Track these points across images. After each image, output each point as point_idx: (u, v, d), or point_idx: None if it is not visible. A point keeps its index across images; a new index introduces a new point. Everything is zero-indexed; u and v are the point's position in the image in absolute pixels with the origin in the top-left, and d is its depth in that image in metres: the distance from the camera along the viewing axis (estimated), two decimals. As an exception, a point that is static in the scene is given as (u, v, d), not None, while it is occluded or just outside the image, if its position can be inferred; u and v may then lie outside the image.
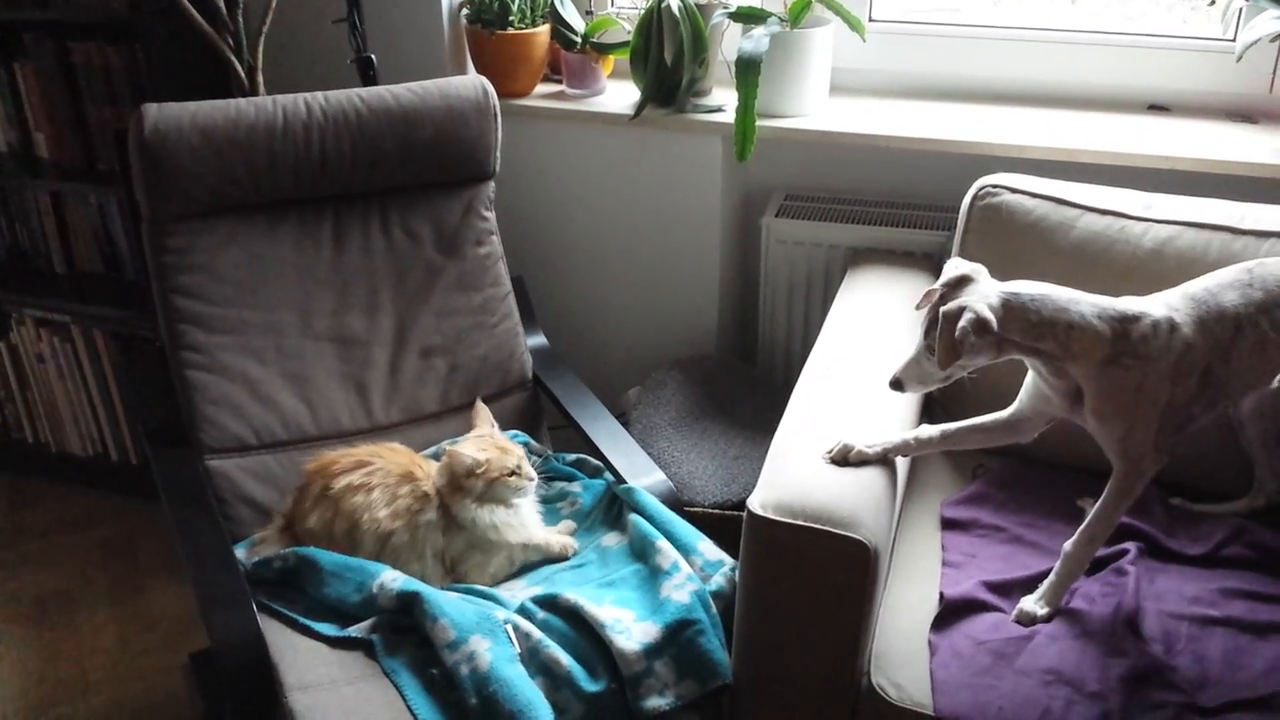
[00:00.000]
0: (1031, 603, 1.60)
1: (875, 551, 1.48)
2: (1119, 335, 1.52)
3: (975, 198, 1.97)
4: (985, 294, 1.52)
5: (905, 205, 2.35)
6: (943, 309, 1.49)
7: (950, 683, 1.49)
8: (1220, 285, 1.61)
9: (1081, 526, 1.61)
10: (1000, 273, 1.92)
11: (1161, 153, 2.05)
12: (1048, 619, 1.58)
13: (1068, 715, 1.43)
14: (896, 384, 1.59)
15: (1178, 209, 1.88)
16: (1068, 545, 1.61)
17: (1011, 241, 1.92)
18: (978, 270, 1.56)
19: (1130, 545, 1.70)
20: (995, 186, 1.96)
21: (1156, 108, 2.28)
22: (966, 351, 1.48)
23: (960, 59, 2.35)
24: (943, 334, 1.48)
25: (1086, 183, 1.97)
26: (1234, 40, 2.10)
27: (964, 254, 1.98)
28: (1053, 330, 1.50)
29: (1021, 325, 1.50)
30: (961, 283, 1.54)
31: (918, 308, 1.61)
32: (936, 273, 2.15)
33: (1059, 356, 1.53)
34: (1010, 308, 1.50)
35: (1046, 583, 1.61)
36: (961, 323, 1.46)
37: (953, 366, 1.51)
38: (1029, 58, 2.32)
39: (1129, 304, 1.57)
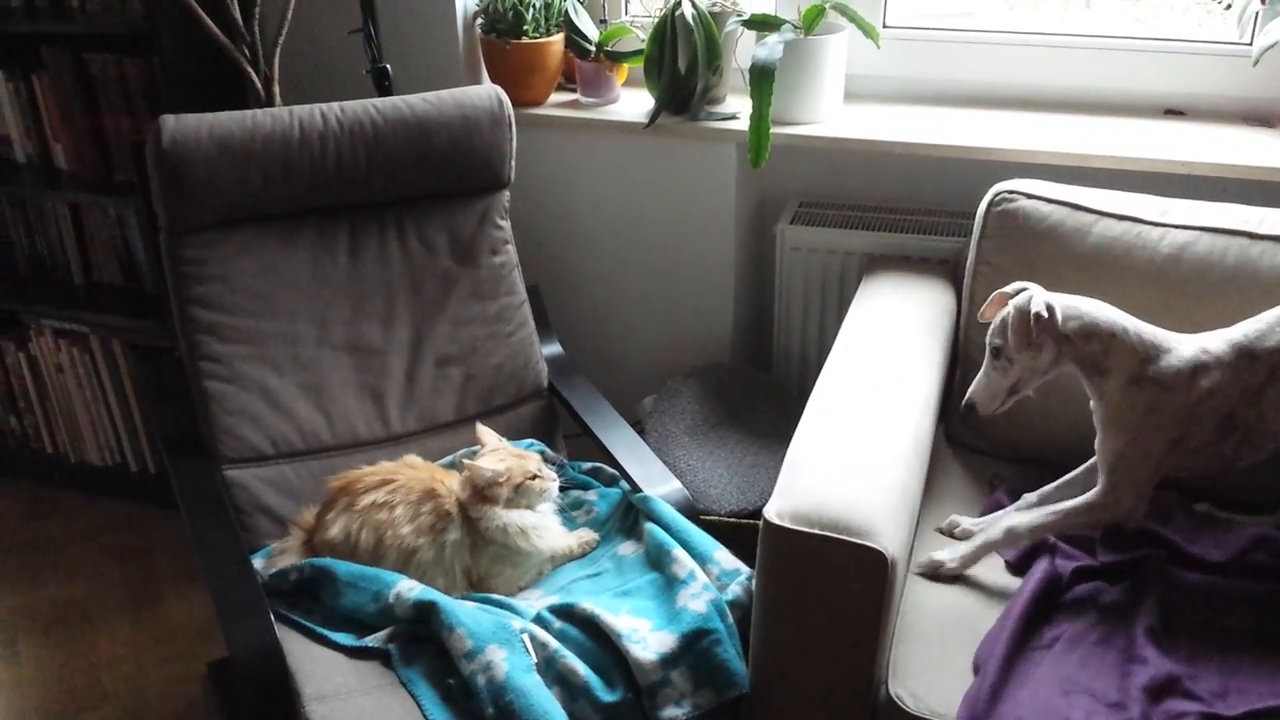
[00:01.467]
0: (943, 554, 1.68)
1: (893, 561, 1.47)
2: (1148, 358, 1.62)
3: (991, 203, 1.96)
4: (1046, 295, 1.63)
5: (920, 211, 2.34)
6: (1014, 301, 1.62)
7: (970, 693, 1.48)
8: (1261, 330, 1.65)
9: (1039, 515, 1.66)
10: (1017, 278, 1.92)
11: (1178, 157, 2.04)
12: (950, 575, 1.68)
13: (1088, 724, 1.42)
14: (970, 407, 1.68)
15: (1195, 214, 1.88)
16: (1009, 521, 1.67)
17: (1028, 247, 1.92)
18: (1034, 286, 1.66)
19: (1151, 552, 1.69)
20: (1011, 192, 1.95)
21: (1172, 112, 2.27)
22: (1033, 340, 1.60)
23: (975, 64, 2.34)
24: (1016, 321, 1.60)
25: (1102, 188, 1.96)
26: (1251, 44, 2.09)
27: (980, 260, 1.98)
28: (1098, 333, 1.62)
29: (1077, 323, 1.62)
30: (1020, 293, 1.65)
31: (982, 316, 1.73)
32: (953, 279, 2.16)
33: (1099, 363, 1.63)
34: (1066, 306, 1.63)
35: (963, 545, 1.69)
36: (1035, 308, 1.59)
37: (1021, 370, 1.63)
38: (1043, 62, 2.31)
39: (1164, 336, 1.64)
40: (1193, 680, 1.48)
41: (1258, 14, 2.12)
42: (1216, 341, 1.64)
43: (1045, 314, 1.59)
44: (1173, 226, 1.86)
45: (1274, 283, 1.78)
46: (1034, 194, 1.94)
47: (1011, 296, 1.66)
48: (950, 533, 1.80)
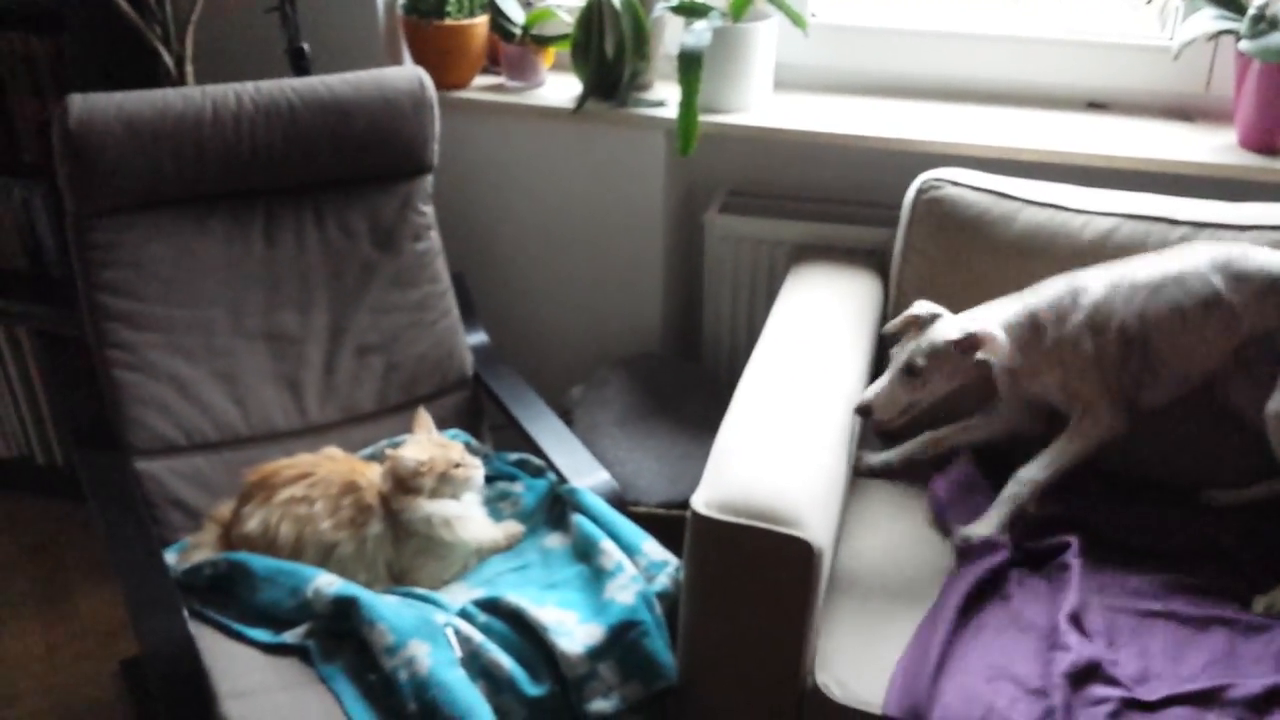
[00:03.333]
0: (973, 529, 1.69)
1: (819, 550, 1.47)
2: (1031, 324, 1.72)
3: (919, 191, 1.97)
4: (962, 322, 1.71)
5: (848, 202, 2.35)
6: (942, 331, 1.68)
7: (895, 680, 1.48)
8: (1133, 267, 1.75)
9: (1036, 465, 1.72)
10: (944, 266, 1.95)
11: (1100, 150, 2.06)
12: (986, 543, 1.67)
13: (1011, 711, 1.43)
14: (865, 410, 1.70)
15: (1116, 202, 1.91)
16: (1021, 471, 1.72)
17: (955, 235, 1.93)
18: (941, 310, 1.74)
19: (1072, 538, 1.71)
20: (938, 180, 1.96)
21: (1096, 105, 2.30)
22: (960, 368, 1.68)
23: (903, 55, 2.35)
24: (944, 351, 1.67)
25: (1027, 180, 1.98)
26: (1172, 39, 2.12)
27: (908, 247, 1.99)
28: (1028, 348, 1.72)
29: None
30: (934, 317, 1.72)
31: (886, 331, 1.78)
32: (880, 269, 2.17)
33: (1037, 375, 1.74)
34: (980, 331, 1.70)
35: (991, 512, 1.70)
36: (985, 330, 1.67)
37: (932, 392, 1.69)
38: (970, 55, 2.32)
39: (1039, 297, 1.74)
40: (1114, 665, 1.50)
41: (1179, 9, 2.15)
42: (1088, 276, 1.76)
43: (971, 341, 1.66)
44: (1095, 214, 1.89)
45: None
46: (960, 182, 1.95)
47: (923, 320, 1.72)
48: (859, 469, 1.90)
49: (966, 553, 1.68)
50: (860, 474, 1.91)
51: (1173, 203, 1.90)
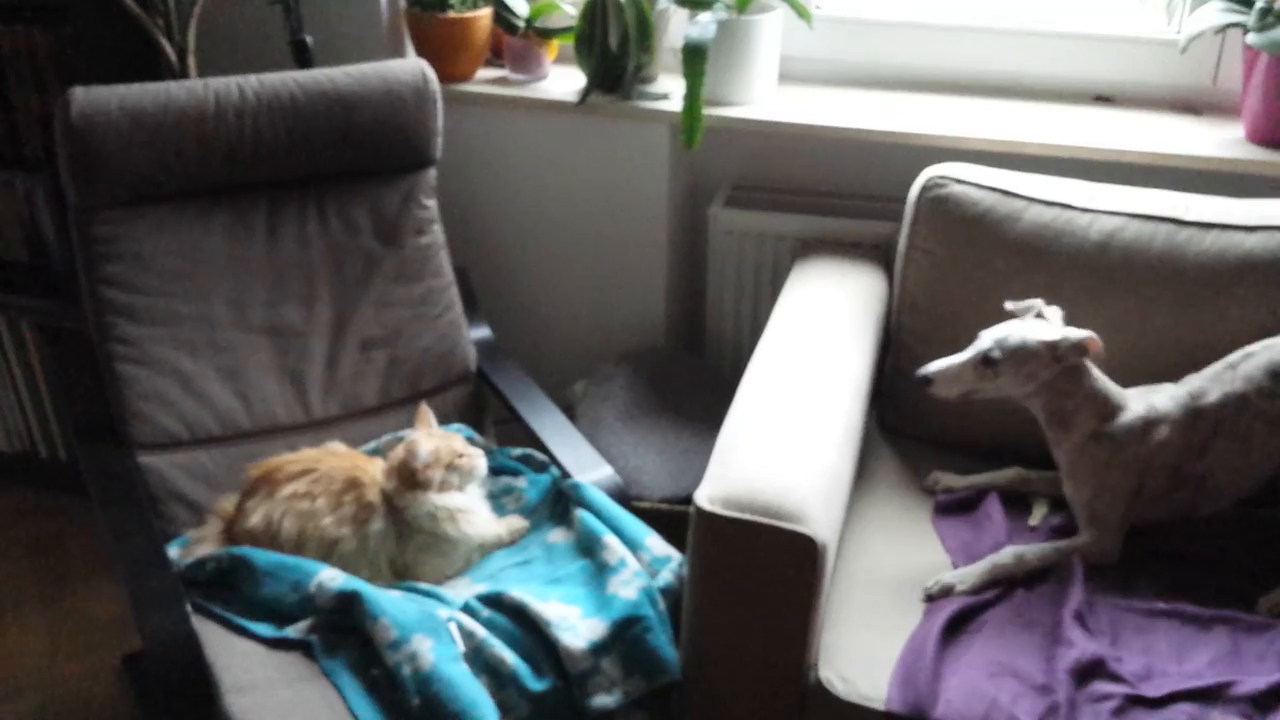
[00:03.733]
0: (954, 577, 1.65)
1: (823, 546, 1.46)
2: (1108, 417, 1.68)
3: (923, 189, 1.96)
4: (1067, 330, 1.67)
5: (853, 196, 2.34)
6: (1036, 333, 1.64)
7: (900, 675, 1.48)
8: (1204, 386, 1.70)
9: (1036, 547, 1.68)
10: (948, 264, 1.94)
11: (1107, 145, 2.05)
12: (960, 594, 1.63)
13: (1015, 707, 1.42)
14: (926, 380, 1.67)
15: (1123, 200, 1.89)
16: (1008, 550, 1.67)
17: (959, 233, 1.92)
18: (1055, 312, 1.72)
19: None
20: (943, 178, 1.95)
21: (1102, 99, 2.29)
22: (1034, 373, 1.65)
23: (908, 48, 2.34)
24: (1027, 352, 1.63)
25: (1034, 173, 1.97)
26: (1179, 32, 2.11)
27: (912, 246, 1.98)
28: (1080, 388, 1.67)
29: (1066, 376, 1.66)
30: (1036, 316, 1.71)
31: (1007, 308, 1.74)
32: (885, 264, 2.17)
33: (1067, 416, 1.68)
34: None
35: (973, 568, 1.66)
36: (1076, 337, 1.63)
37: (997, 386, 1.65)
38: (976, 48, 2.31)
39: (1118, 393, 1.70)
40: (1117, 662, 1.50)
41: (1186, 2, 2.14)
42: (1163, 399, 1.70)
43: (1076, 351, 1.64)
44: (1101, 213, 1.88)
45: (1200, 268, 1.81)
46: (965, 180, 1.94)
47: (1034, 313, 1.70)
48: (933, 489, 1.87)
49: (935, 598, 1.64)
50: (933, 493, 1.87)
51: (1180, 200, 1.89)
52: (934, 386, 1.66)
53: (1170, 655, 1.53)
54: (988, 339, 1.66)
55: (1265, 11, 1.96)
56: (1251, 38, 1.96)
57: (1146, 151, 2.03)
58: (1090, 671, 1.48)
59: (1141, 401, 1.70)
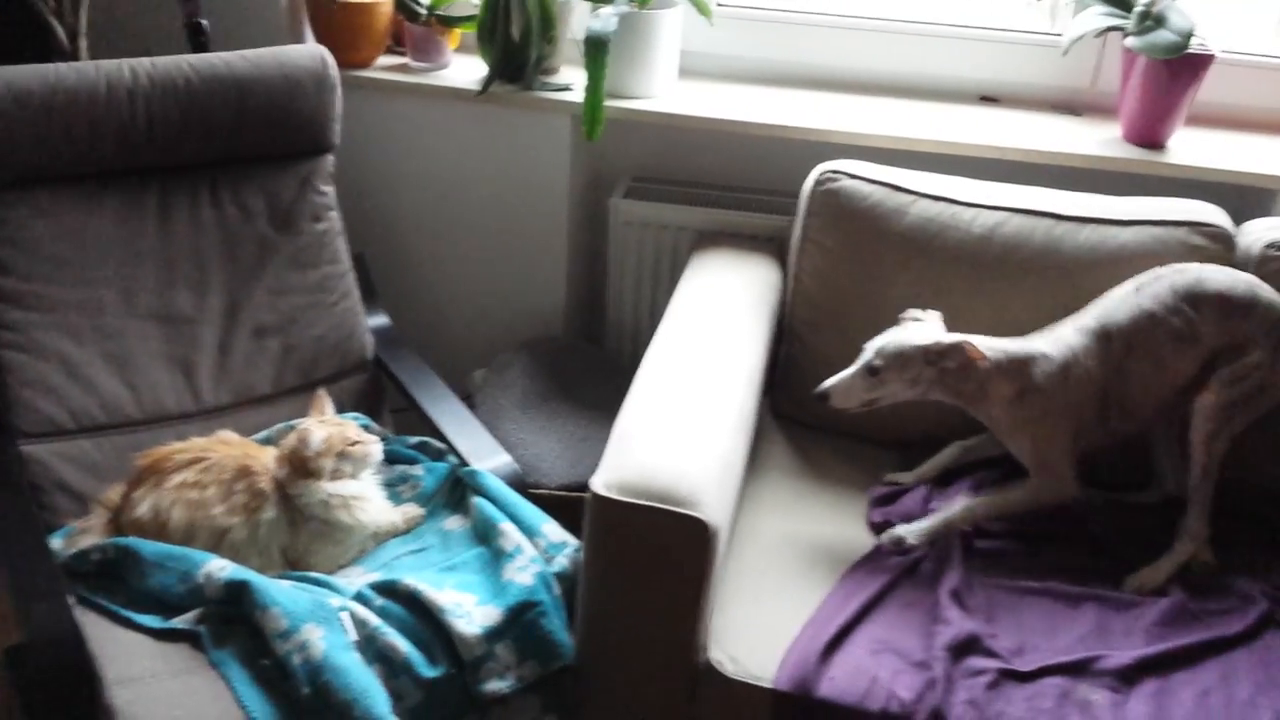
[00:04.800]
0: (905, 529, 1.72)
1: (715, 529, 1.49)
2: (1020, 374, 1.72)
3: (816, 183, 2.01)
4: (941, 334, 1.73)
5: (750, 189, 2.38)
6: (904, 338, 1.71)
7: (791, 656, 1.52)
8: (1109, 308, 1.76)
9: (984, 498, 1.76)
10: (840, 255, 1.99)
11: (991, 142, 2.12)
12: (911, 550, 1.72)
13: (895, 683, 1.48)
14: (823, 397, 1.73)
15: (1005, 196, 1.97)
16: (961, 502, 1.75)
17: (850, 225, 1.97)
18: (931, 317, 1.78)
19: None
20: (835, 172, 2.00)
21: (988, 99, 2.36)
22: (916, 377, 1.71)
23: (804, 46, 2.39)
24: (900, 358, 1.70)
25: (922, 170, 2.03)
26: (1061, 35, 2.19)
27: (805, 237, 2.02)
28: (974, 374, 1.71)
29: (954, 363, 1.70)
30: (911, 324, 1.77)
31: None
32: (779, 256, 2.21)
33: (976, 394, 1.73)
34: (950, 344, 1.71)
35: (927, 521, 1.73)
36: (949, 341, 1.69)
37: (890, 392, 1.71)
38: (869, 46, 2.37)
39: (1026, 346, 1.74)
40: (992, 639, 1.56)
41: (1068, 6, 2.22)
42: (1069, 331, 1.76)
43: (971, 361, 1.69)
44: (984, 207, 1.95)
45: (1076, 260, 1.89)
46: (856, 174, 2.00)
47: (908, 323, 1.75)
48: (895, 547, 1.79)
49: (889, 551, 1.71)
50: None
51: (1059, 197, 1.97)
52: (832, 400, 1.72)
53: (1041, 631, 1.59)
54: (870, 349, 1.73)
55: (1144, 15, 2.04)
56: (1130, 41, 2.04)
57: (1029, 150, 2.11)
58: (966, 647, 1.54)
59: (1052, 343, 1.75)
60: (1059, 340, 1.76)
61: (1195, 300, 1.73)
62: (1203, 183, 2.08)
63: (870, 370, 1.71)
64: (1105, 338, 1.74)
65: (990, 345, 1.72)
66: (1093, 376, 1.73)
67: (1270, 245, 1.86)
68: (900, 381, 1.71)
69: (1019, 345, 1.75)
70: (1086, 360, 1.73)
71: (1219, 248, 1.87)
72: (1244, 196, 2.10)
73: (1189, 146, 2.13)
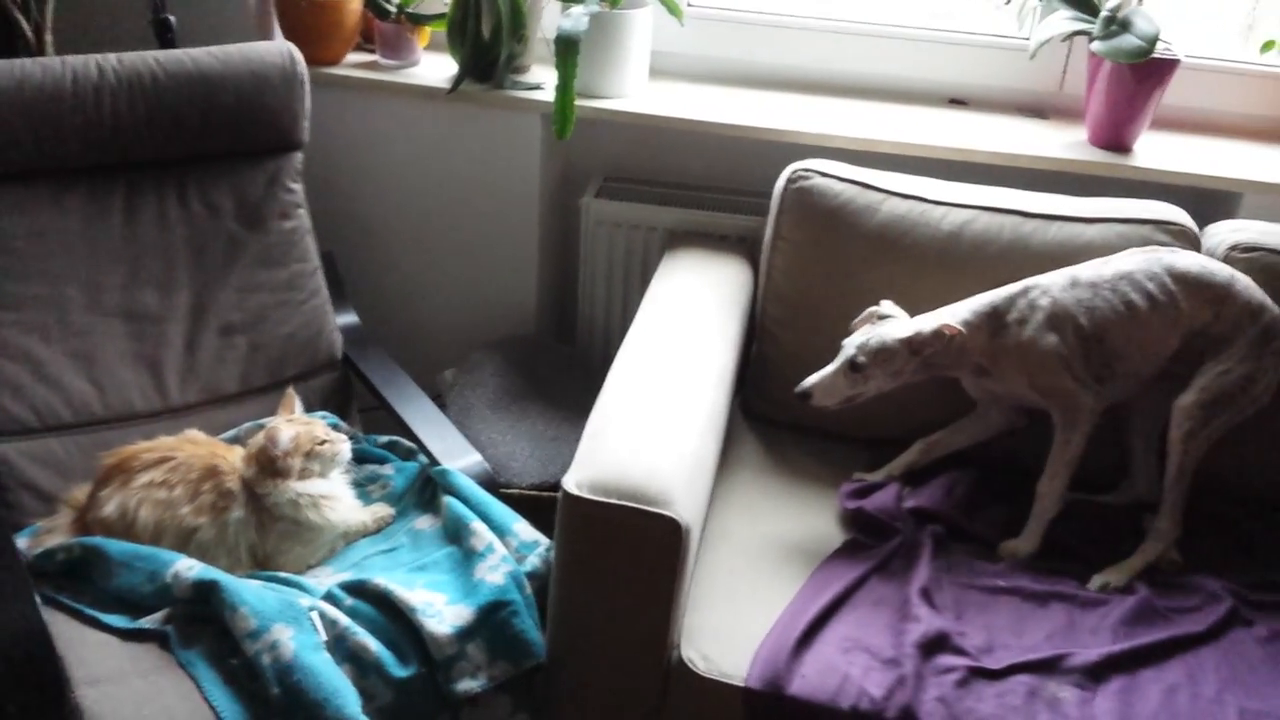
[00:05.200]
0: (1016, 541, 1.76)
1: (686, 528, 1.50)
2: (992, 318, 1.77)
3: (788, 181, 2.02)
4: (916, 323, 1.76)
5: (721, 189, 2.39)
6: (887, 331, 1.74)
7: (762, 654, 1.53)
8: (1082, 265, 1.82)
9: (1044, 477, 1.78)
10: (811, 253, 2.00)
11: (959, 145, 2.14)
12: (1028, 556, 1.75)
13: (865, 680, 1.49)
14: (805, 395, 1.75)
15: (973, 195, 2.00)
16: (1039, 486, 1.77)
17: (821, 222, 1.99)
18: (899, 312, 1.81)
19: (929, 527, 1.78)
20: (807, 171, 2.02)
21: (956, 102, 2.39)
22: (899, 369, 1.74)
23: (774, 48, 2.40)
24: (884, 352, 1.73)
25: (891, 171, 2.05)
26: (1029, 39, 2.21)
27: (777, 235, 2.03)
28: (949, 348, 1.75)
29: (932, 349, 1.74)
30: (885, 318, 1.79)
31: (851, 328, 1.81)
32: (751, 256, 2.22)
33: (953, 359, 1.77)
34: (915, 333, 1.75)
35: (1028, 525, 1.77)
36: (930, 328, 1.73)
37: (873, 387, 1.74)
38: (840, 49, 2.38)
39: (994, 294, 1.79)
40: (961, 637, 1.57)
41: (1036, 10, 2.24)
42: (1039, 278, 1.81)
43: (946, 338, 1.73)
44: (953, 206, 1.97)
45: (1043, 256, 1.92)
46: (827, 173, 2.01)
47: (880, 317, 1.78)
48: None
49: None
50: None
51: (1026, 196, 1.99)
52: (814, 399, 1.74)
53: (1010, 629, 1.61)
54: (850, 346, 1.74)
55: (1109, 20, 2.06)
56: (1096, 45, 2.06)
57: (995, 152, 2.13)
58: (936, 645, 1.55)
59: (1015, 290, 1.79)
60: (1028, 285, 1.80)
61: (1173, 273, 1.77)
62: (1168, 185, 2.11)
63: (854, 367, 1.73)
64: (1082, 288, 1.77)
65: (956, 313, 1.77)
66: (1070, 313, 1.75)
67: (1234, 247, 1.89)
68: (884, 375, 1.74)
69: (984, 299, 1.79)
70: (1062, 304, 1.76)
71: (1184, 245, 1.90)
72: (1208, 200, 2.13)
73: (1154, 150, 2.16)
